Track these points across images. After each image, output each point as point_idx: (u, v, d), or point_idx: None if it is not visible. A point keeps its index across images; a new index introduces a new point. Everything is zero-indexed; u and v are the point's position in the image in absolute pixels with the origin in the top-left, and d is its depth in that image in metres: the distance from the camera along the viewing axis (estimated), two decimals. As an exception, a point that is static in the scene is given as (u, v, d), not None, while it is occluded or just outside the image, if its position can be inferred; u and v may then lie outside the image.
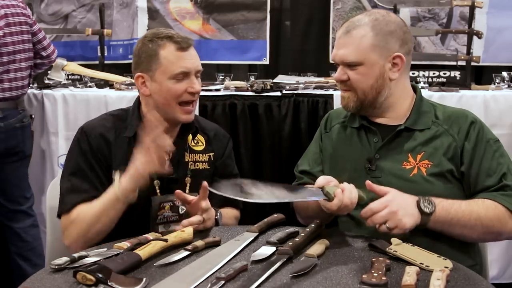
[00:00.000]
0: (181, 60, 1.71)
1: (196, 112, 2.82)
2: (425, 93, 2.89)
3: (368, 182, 1.49)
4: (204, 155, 1.84)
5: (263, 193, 1.39)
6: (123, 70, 3.68)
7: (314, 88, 3.11)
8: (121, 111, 1.85)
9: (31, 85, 3.17)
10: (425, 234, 1.56)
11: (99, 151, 1.72)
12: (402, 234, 1.45)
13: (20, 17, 2.80)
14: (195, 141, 1.85)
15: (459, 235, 1.54)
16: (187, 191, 1.74)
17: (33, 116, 2.96)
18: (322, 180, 1.50)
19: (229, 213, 1.84)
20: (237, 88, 3.10)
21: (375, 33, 1.60)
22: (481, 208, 1.52)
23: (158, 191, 1.73)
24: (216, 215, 1.69)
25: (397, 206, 1.43)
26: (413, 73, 3.41)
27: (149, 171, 1.58)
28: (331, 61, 1.73)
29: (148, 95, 1.76)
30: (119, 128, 1.77)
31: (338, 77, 1.66)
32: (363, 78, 1.62)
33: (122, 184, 1.58)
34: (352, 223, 1.66)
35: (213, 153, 1.86)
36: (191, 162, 1.80)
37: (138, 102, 1.83)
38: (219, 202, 1.78)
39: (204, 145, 1.86)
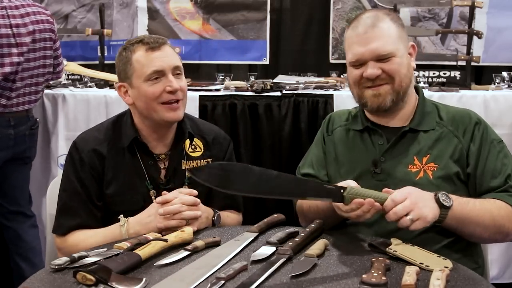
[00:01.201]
0: (151, 60, 1.67)
1: (196, 112, 2.87)
2: (425, 93, 2.86)
3: (385, 189, 1.44)
4: (202, 161, 1.80)
5: (249, 185, 1.35)
6: (123, 70, 3.69)
7: (314, 88, 3.11)
8: (116, 119, 1.80)
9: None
10: (429, 235, 1.55)
11: (92, 166, 1.70)
12: (423, 228, 1.39)
13: (46, 34, 2.80)
14: (193, 147, 1.80)
15: (472, 233, 1.51)
16: None
17: (37, 119, 2.95)
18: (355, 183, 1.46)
19: (230, 216, 1.82)
20: (237, 88, 3.10)
21: (396, 25, 1.63)
22: (494, 207, 1.51)
23: (154, 200, 1.68)
24: (214, 216, 1.68)
25: (416, 198, 1.39)
26: (413, 73, 3.41)
27: (165, 228, 1.56)
28: (351, 61, 1.66)
29: (132, 104, 1.73)
30: (112, 139, 1.74)
31: (372, 73, 1.58)
32: (399, 67, 1.60)
33: (130, 232, 1.59)
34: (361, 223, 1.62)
35: (211, 158, 1.81)
36: (189, 169, 1.75)
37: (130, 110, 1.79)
38: (219, 204, 1.78)
39: (202, 150, 1.81)
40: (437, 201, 1.42)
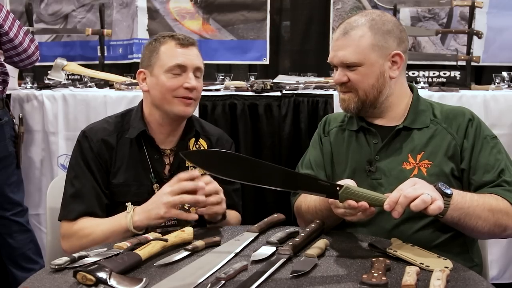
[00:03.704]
0: (178, 55, 1.73)
1: (196, 112, 2.86)
2: (425, 93, 2.90)
3: (386, 194, 1.41)
4: None
5: (237, 171, 1.36)
6: (123, 70, 3.69)
7: (314, 88, 3.11)
8: (126, 112, 1.86)
9: (31, 85, 3.17)
10: (425, 233, 1.56)
11: (100, 156, 1.74)
12: (437, 214, 1.36)
13: None
14: (197, 146, 1.84)
15: (473, 228, 1.48)
16: None
17: (20, 116, 2.89)
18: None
19: (231, 214, 1.82)
20: (237, 88, 3.10)
21: (374, 32, 1.61)
22: (491, 200, 1.50)
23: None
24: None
25: (422, 183, 1.38)
26: (413, 73, 3.42)
27: (170, 216, 1.57)
28: (328, 61, 1.71)
29: (147, 91, 1.79)
30: (121, 130, 1.78)
31: (338, 79, 1.65)
32: (363, 78, 1.62)
33: (134, 219, 1.59)
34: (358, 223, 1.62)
35: None
36: (192, 167, 1.78)
37: (141, 103, 1.84)
38: None
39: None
40: (438, 190, 1.40)
